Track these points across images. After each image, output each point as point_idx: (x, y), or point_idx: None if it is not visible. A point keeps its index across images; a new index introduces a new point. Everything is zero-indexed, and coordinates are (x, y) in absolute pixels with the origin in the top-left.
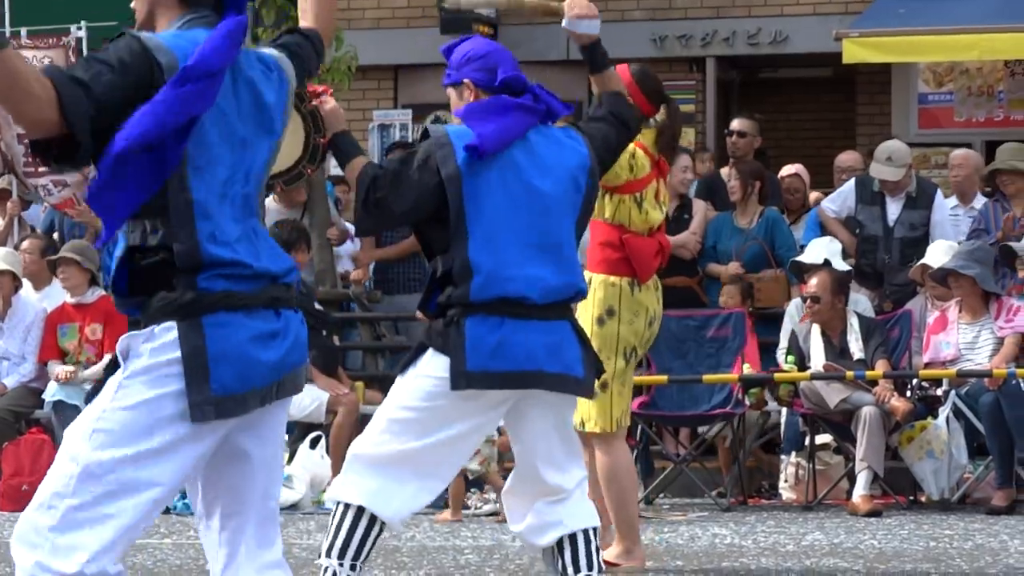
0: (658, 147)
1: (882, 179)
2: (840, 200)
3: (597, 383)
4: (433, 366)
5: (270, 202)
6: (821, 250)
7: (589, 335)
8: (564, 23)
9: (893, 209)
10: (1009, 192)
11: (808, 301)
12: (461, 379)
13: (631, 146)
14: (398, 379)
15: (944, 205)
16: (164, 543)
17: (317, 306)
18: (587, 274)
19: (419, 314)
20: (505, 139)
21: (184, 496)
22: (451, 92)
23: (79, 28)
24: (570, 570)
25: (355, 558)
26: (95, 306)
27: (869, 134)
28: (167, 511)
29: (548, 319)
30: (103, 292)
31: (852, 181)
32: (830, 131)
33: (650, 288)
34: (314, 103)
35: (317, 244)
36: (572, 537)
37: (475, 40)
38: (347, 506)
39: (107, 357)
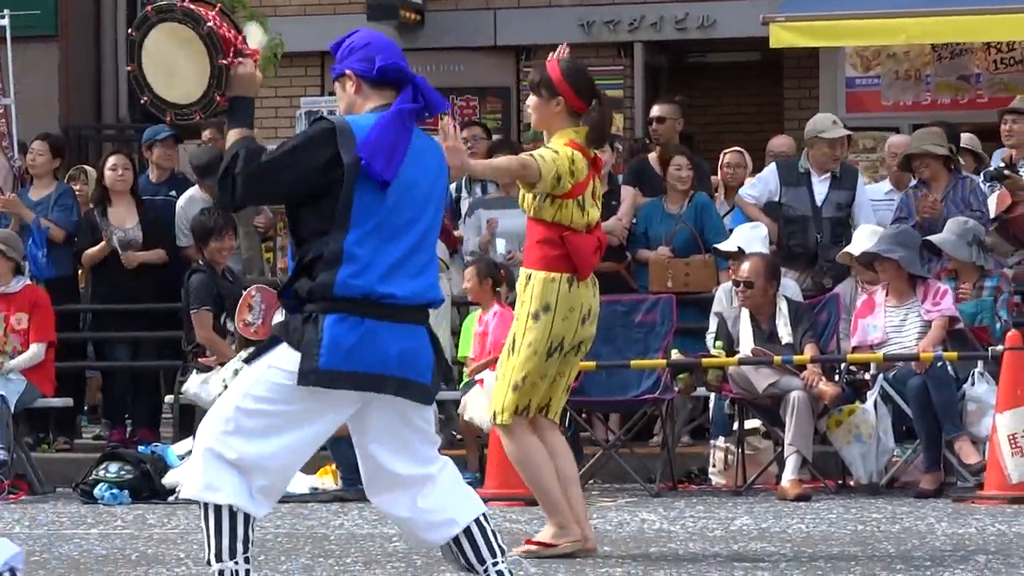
0: (588, 142)
1: (835, 138)
2: (761, 186)
3: (519, 376)
4: (285, 359)
5: (195, 191)
6: (739, 238)
7: (523, 330)
8: None
9: (820, 189)
10: (924, 176)
11: (741, 286)
12: (311, 375)
13: (568, 151)
14: (246, 368)
15: (864, 187)
16: (91, 533)
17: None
18: (526, 270)
19: None
20: (398, 161)
21: (111, 487)
22: (337, 86)
23: (2, 17)
24: (475, 563)
25: (244, 551)
26: (20, 295)
27: (797, 118)
28: (94, 501)
29: (405, 322)
30: (28, 281)
31: (772, 166)
32: (758, 115)
33: (588, 285)
34: (230, 61)
35: (244, 232)
36: (467, 531)
37: (359, 32)
38: (217, 506)
39: (33, 346)
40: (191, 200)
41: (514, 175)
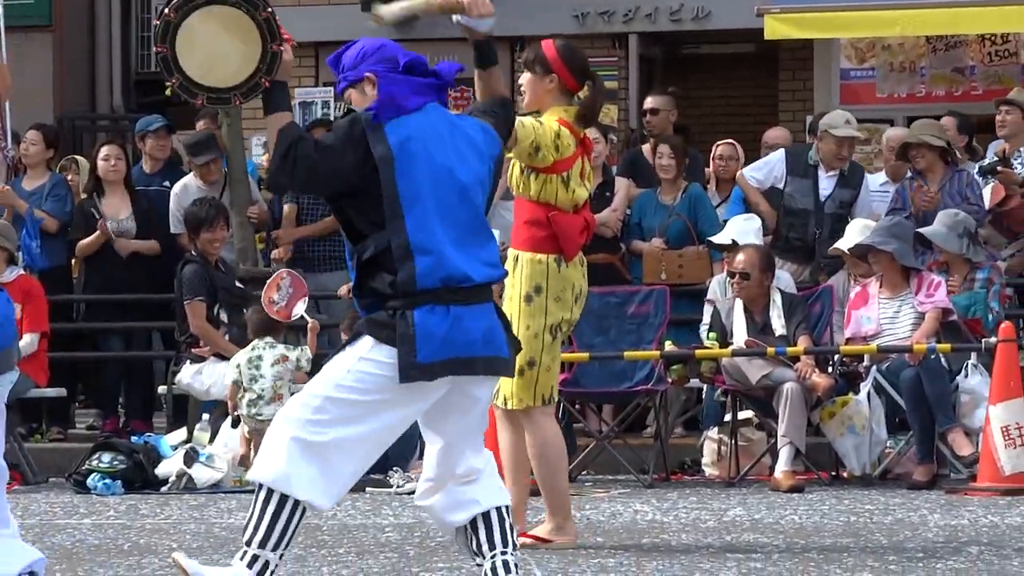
0: (578, 120)
1: (844, 136)
2: (766, 170)
3: (524, 360)
4: (378, 353)
5: (190, 179)
6: (733, 230)
7: (517, 313)
8: (462, 19)
9: (826, 185)
10: (920, 167)
11: (736, 277)
12: (413, 371)
13: (555, 125)
14: (335, 357)
15: (868, 187)
16: (83, 523)
17: (238, 284)
18: (513, 252)
19: (342, 291)
20: (411, 103)
21: (104, 477)
22: (352, 94)
23: None
24: (485, 548)
25: (285, 546)
26: (13, 286)
27: (792, 110)
28: (87, 491)
29: (480, 302)
30: (22, 271)
31: (781, 152)
32: (753, 107)
33: (576, 265)
34: (279, 47)
35: (237, 222)
36: (486, 515)
37: (359, 41)
38: (284, 496)
39: (27, 336)
40: (185, 188)
41: None
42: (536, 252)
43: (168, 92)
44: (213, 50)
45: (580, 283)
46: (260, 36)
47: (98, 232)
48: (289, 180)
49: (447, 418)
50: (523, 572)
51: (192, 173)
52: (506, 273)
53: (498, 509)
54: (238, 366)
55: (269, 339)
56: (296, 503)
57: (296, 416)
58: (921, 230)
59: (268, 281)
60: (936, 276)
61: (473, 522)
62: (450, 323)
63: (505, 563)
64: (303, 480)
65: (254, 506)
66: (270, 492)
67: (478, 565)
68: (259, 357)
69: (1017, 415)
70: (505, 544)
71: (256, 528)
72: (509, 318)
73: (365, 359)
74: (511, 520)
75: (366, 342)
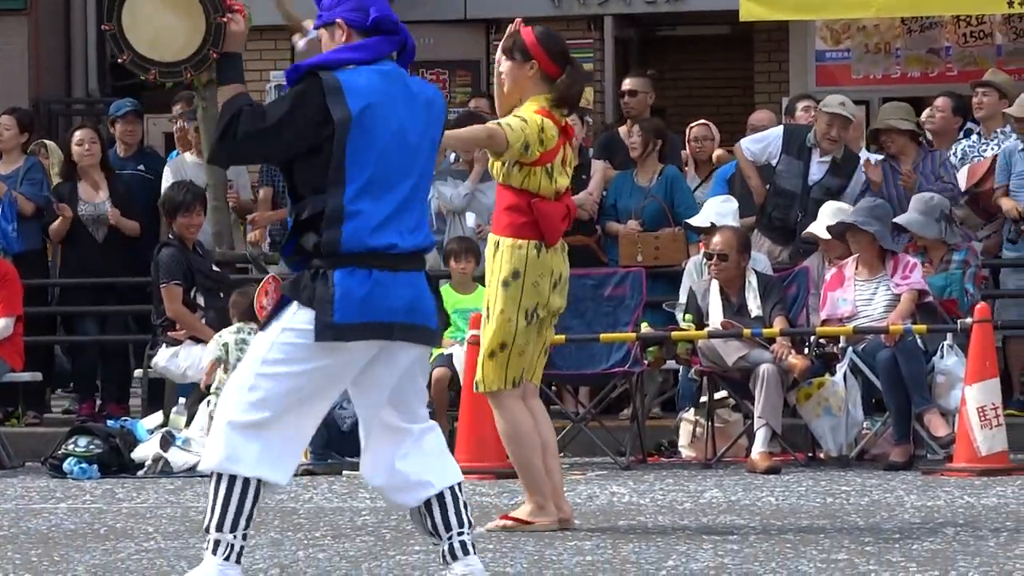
0: (556, 107)
1: (835, 114)
2: (763, 143)
3: (496, 343)
4: (298, 319)
5: (188, 154)
6: (711, 212)
7: (494, 297)
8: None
9: (816, 170)
10: (892, 151)
11: (714, 258)
12: (328, 331)
13: (538, 118)
14: (261, 334)
15: (861, 177)
16: (59, 507)
17: (214, 267)
18: (493, 237)
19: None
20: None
21: (80, 461)
22: (323, 33)
23: None
24: (441, 530)
25: (246, 527)
26: None
27: (767, 91)
28: (63, 475)
29: (407, 270)
30: None
31: (780, 128)
32: (728, 89)
33: (557, 251)
34: (224, 18)
35: (213, 206)
36: (440, 496)
37: None
38: (232, 477)
39: (1, 321)
40: (182, 162)
41: (481, 144)
42: (517, 238)
43: (144, 78)
44: (159, 24)
45: (560, 268)
46: (203, 9)
47: (60, 217)
48: (229, 154)
49: (372, 386)
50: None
51: (192, 150)
52: (435, 242)
53: (451, 489)
54: (224, 345)
55: (254, 325)
56: (247, 482)
57: (231, 400)
58: (897, 219)
59: (259, 287)
60: (912, 258)
61: (428, 503)
62: (370, 287)
63: (462, 543)
64: (249, 458)
65: (209, 494)
66: (220, 476)
67: (435, 545)
68: (245, 341)
69: (993, 395)
70: (461, 524)
71: (212, 512)
72: (487, 302)
73: (287, 329)
74: (464, 498)
75: (290, 308)
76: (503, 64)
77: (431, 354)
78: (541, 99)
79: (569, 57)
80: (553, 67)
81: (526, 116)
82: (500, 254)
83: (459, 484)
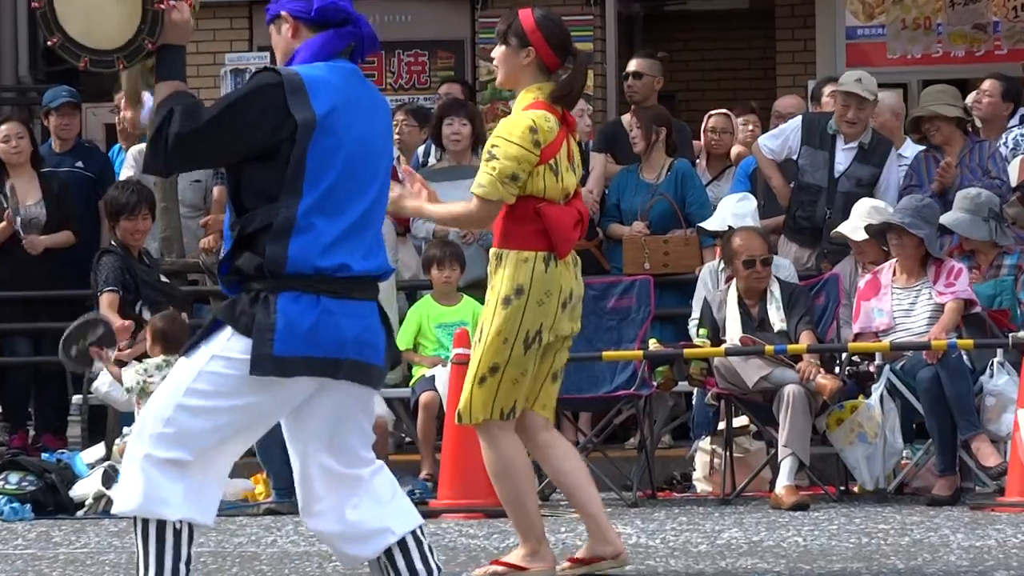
0: (553, 102)
1: (851, 95)
2: (781, 138)
3: (486, 367)
4: (232, 347)
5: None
6: (726, 213)
7: (491, 316)
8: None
9: (842, 159)
10: (937, 141)
11: (757, 265)
12: (266, 364)
13: (527, 120)
14: (184, 359)
15: (896, 165)
16: None
17: (163, 278)
18: (495, 251)
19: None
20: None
21: (11, 500)
22: (272, 30)
23: None
24: None
25: (187, 572)
26: None
27: (791, 74)
28: None
29: (358, 299)
30: None
31: (798, 119)
32: (747, 71)
33: (568, 265)
34: (161, 6)
35: (161, 208)
36: (402, 543)
37: None
38: (161, 522)
39: None
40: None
41: (483, 222)
42: (522, 250)
43: (81, 65)
44: (92, 7)
45: (571, 285)
46: None
47: (3, 223)
48: (163, 160)
49: (308, 427)
50: None
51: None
52: (393, 271)
53: (414, 533)
54: (141, 383)
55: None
56: (177, 527)
57: (148, 431)
58: (942, 219)
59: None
60: (957, 263)
61: (389, 552)
62: (317, 315)
63: None
64: (174, 499)
65: (137, 542)
66: (145, 523)
67: None
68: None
69: None
70: (429, 571)
71: (146, 565)
72: (481, 322)
73: (218, 357)
74: (428, 541)
75: (223, 334)
76: (496, 49)
77: (410, 377)
78: (535, 90)
79: (571, 48)
80: (552, 57)
81: (497, 144)
82: (503, 269)
83: (421, 527)
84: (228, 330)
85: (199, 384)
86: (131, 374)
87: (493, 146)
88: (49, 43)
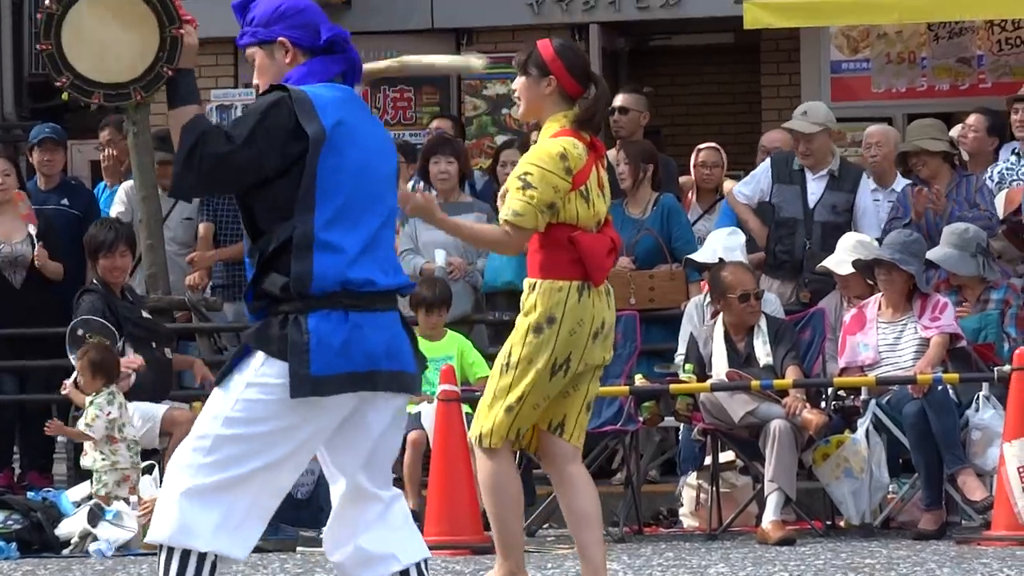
0: (579, 126)
1: (795, 132)
2: (753, 183)
3: (515, 396)
4: (267, 373)
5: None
6: (717, 245)
7: (521, 342)
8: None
9: (814, 188)
10: (924, 175)
11: (751, 299)
12: (305, 385)
13: (555, 148)
14: (218, 389)
15: (868, 191)
16: None
17: (145, 314)
18: (529, 280)
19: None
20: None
21: None
22: (256, 52)
23: None
24: None
25: None
26: None
27: (777, 108)
28: None
29: (383, 310)
30: None
31: (767, 161)
32: (732, 106)
33: (601, 294)
34: (179, 31)
35: (147, 244)
36: (405, 573)
37: None
38: (186, 552)
39: None
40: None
41: (515, 250)
42: (556, 279)
43: (65, 97)
44: (105, 41)
45: (604, 315)
46: (157, 20)
47: None
48: (197, 182)
49: (350, 445)
50: None
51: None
52: (414, 286)
53: (418, 566)
54: (103, 411)
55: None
56: (202, 557)
57: (186, 462)
58: (929, 255)
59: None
60: (942, 297)
61: None
62: (348, 331)
63: None
64: (205, 530)
65: (159, 569)
66: (171, 551)
67: None
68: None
69: None
70: None
71: None
72: (508, 347)
73: (252, 384)
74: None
75: (254, 361)
76: (517, 81)
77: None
78: (560, 118)
79: (592, 74)
80: (573, 85)
81: (530, 172)
82: (535, 298)
83: (426, 560)
84: (260, 356)
85: (237, 412)
86: (92, 414)
87: (526, 173)
88: (57, 84)
